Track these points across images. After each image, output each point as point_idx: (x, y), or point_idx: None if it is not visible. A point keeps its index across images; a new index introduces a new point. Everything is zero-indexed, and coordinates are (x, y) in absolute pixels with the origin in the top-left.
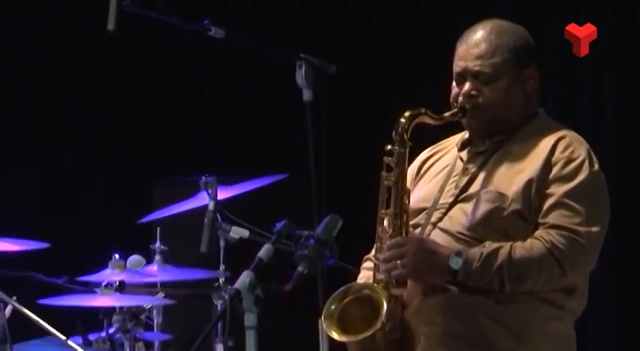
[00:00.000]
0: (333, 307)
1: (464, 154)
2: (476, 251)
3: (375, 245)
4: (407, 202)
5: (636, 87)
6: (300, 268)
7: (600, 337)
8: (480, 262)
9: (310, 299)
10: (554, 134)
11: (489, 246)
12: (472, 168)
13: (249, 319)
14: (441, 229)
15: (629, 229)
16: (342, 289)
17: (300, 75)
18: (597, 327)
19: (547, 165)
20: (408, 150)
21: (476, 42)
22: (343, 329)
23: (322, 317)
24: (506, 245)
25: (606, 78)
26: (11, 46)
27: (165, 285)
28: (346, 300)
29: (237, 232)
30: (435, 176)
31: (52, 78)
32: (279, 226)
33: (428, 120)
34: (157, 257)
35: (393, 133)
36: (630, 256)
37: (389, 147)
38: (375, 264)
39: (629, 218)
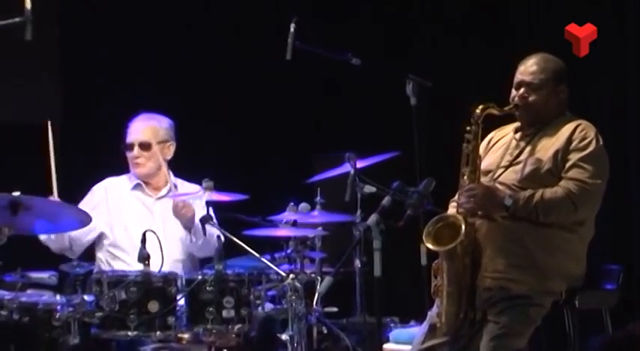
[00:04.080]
0: (430, 228)
1: (517, 136)
2: (520, 194)
3: (458, 192)
4: (479, 163)
5: (634, 87)
6: (408, 212)
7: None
8: (524, 201)
9: (415, 231)
10: (574, 122)
11: (529, 191)
12: (522, 144)
13: (376, 244)
14: (500, 183)
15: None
16: (436, 217)
17: (409, 88)
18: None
19: (569, 141)
20: (480, 130)
21: (531, 63)
22: (436, 242)
23: (423, 235)
24: (540, 190)
25: (606, 78)
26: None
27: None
28: (438, 224)
29: (368, 189)
30: (498, 149)
31: (253, 77)
32: (395, 184)
33: (494, 111)
34: (318, 206)
35: (471, 119)
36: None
37: (468, 128)
38: (457, 203)
39: (622, 183)
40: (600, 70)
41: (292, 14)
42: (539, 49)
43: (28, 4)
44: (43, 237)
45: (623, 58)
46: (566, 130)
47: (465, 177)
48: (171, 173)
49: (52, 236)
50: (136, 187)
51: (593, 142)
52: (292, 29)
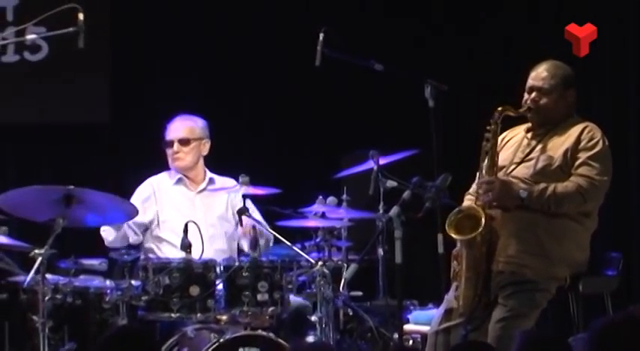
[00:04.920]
0: (452, 218)
1: (528, 135)
2: (535, 187)
3: (474, 185)
4: (497, 159)
5: (634, 87)
6: (427, 204)
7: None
8: (537, 193)
9: (433, 222)
10: (582, 124)
11: (542, 185)
12: (533, 143)
13: (397, 233)
14: (513, 177)
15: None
16: (457, 209)
17: (427, 91)
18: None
19: (577, 140)
20: (499, 129)
21: (542, 70)
22: (457, 231)
23: (445, 224)
24: (552, 184)
25: (606, 78)
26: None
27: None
28: (460, 215)
29: (390, 183)
30: (511, 147)
31: (286, 83)
32: (414, 180)
33: (510, 113)
34: (344, 203)
35: (491, 119)
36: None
37: (488, 127)
38: (472, 195)
39: (623, 180)
40: (600, 70)
41: (322, 22)
42: (539, 49)
43: (81, 16)
44: (109, 238)
45: (623, 58)
46: (575, 130)
47: (484, 171)
48: (206, 169)
49: (115, 237)
50: (179, 181)
51: (600, 142)
52: (321, 38)
